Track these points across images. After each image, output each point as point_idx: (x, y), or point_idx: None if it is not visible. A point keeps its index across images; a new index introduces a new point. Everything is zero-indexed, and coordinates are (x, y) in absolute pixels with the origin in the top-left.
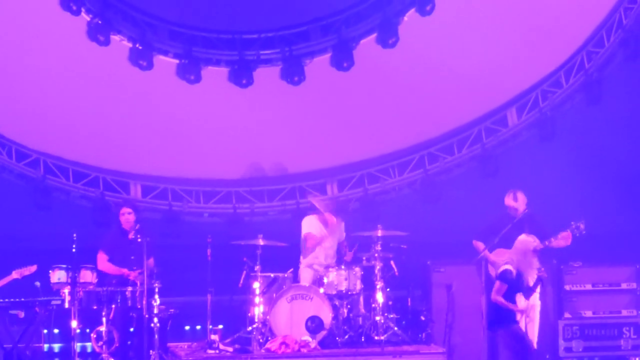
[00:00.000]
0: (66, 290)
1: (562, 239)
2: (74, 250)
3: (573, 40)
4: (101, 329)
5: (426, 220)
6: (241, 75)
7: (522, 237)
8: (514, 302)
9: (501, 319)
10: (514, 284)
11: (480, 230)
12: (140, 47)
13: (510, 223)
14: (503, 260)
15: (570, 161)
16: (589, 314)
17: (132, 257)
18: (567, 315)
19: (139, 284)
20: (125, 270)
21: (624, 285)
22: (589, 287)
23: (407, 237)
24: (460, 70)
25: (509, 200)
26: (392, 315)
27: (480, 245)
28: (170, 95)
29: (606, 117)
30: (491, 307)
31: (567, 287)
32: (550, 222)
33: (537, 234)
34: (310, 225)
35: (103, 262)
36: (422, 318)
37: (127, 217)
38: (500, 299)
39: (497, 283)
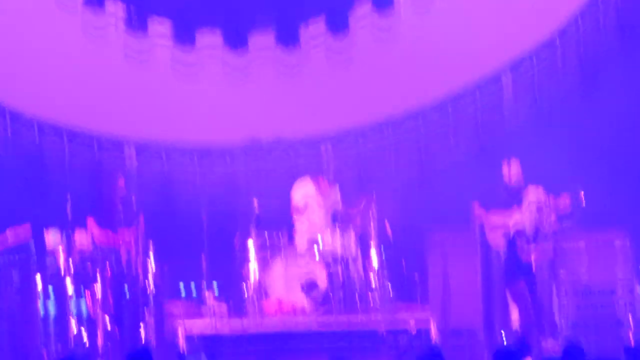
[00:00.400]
0: (61, 251)
1: (563, 203)
2: (68, 211)
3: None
4: (96, 289)
5: (422, 186)
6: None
7: (530, 189)
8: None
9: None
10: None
11: (479, 200)
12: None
13: (506, 192)
14: (502, 221)
15: (564, 139)
16: (582, 272)
17: (123, 218)
18: (560, 273)
19: (132, 243)
20: (112, 233)
21: (617, 244)
22: (582, 245)
23: (402, 203)
24: (455, 41)
25: (503, 169)
26: (386, 278)
27: (476, 206)
28: (166, 61)
29: (600, 108)
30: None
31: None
32: None
33: None
34: (299, 190)
35: (92, 227)
36: (416, 279)
37: (117, 183)
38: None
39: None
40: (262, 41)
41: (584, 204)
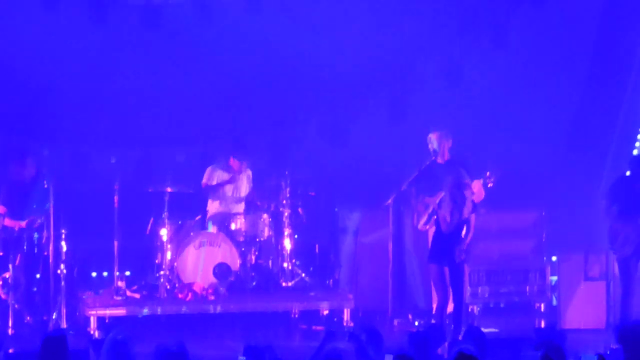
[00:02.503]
0: None
1: (476, 193)
2: None
3: None
4: (7, 275)
5: (334, 165)
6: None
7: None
8: None
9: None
10: None
11: (411, 177)
12: None
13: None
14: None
15: (478, 105)
16: (495, 259)
17: (35, 206)
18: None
19: (45, 230)
20: (21, 224)
21: (529, 231)
22: (495, 232)
23: (315, 184)
24: None
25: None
26: (299, 262)
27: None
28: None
29: (511, 61)
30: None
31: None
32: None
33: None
34: (209, 175)
35: (2, 213)
36: (329, 261)
37: (26, 167)
38: None
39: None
40: None
41: (491, 185)
